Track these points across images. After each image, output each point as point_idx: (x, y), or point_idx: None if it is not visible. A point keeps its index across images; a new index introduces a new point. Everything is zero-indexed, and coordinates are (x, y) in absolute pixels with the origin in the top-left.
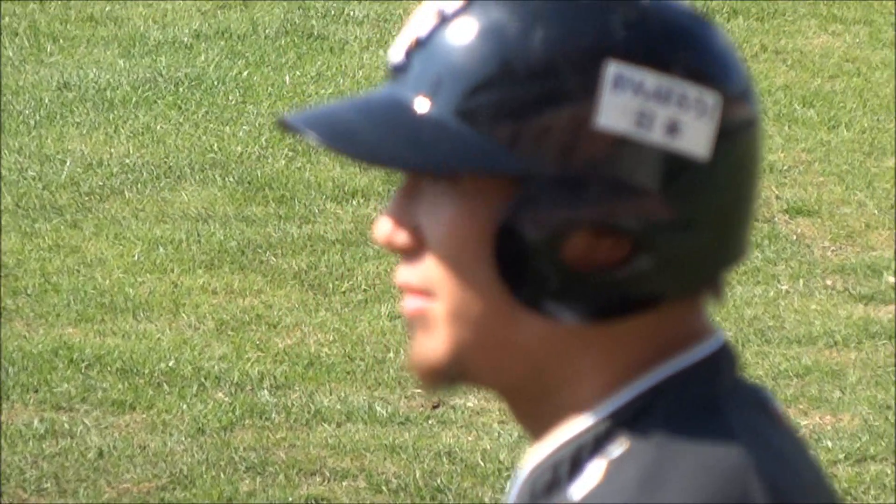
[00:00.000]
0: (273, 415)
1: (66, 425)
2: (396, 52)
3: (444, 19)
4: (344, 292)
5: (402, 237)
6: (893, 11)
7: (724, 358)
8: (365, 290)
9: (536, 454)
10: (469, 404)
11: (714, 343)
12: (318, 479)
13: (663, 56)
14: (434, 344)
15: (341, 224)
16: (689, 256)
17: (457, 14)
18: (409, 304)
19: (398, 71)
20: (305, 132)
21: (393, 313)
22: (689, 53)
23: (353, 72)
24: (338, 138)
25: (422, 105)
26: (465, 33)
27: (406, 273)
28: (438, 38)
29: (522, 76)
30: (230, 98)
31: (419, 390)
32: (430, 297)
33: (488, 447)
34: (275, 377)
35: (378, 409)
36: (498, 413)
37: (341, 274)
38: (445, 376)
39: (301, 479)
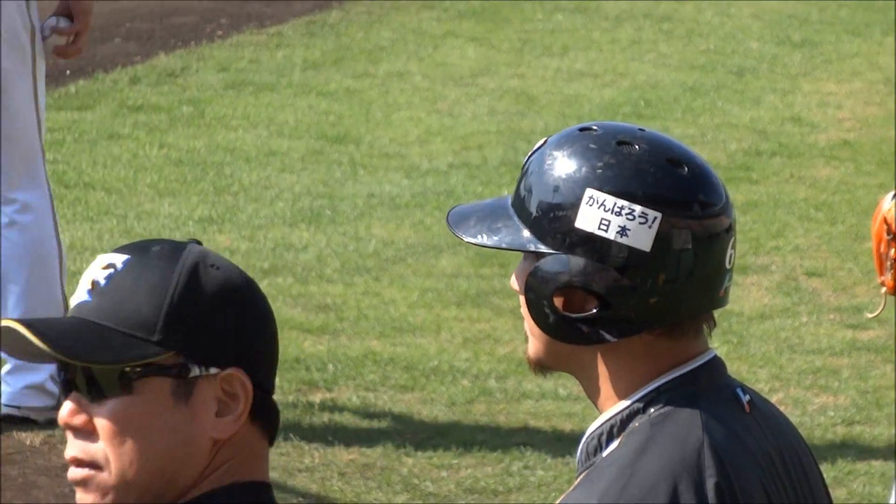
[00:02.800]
0: (496, 394)
1: (372, 400)
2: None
3: (537, 149)
4: None
5: (515, 285)
6: (871, 153)
7: (706, 369)
8: None
9: (591, 428)
10: None
11: (704, 359)
12: (522, 433)
13: (623, 187)
14: (528, 348)
15: None
16: (652, 310)
17: (538, 148)
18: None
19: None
20: (449, 223)
21: None
22: (643, 186)
23: None
24: (455, 223)
25: (510, 208)
26: (530, 166)
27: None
28: (525, 166)
29: (542, 191)
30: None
31: None
32: (525, 320)
33: None
34: (497, 371)
35: (560, 391)
36: None
37: None
38: (538, 369)
39: (513, 433)
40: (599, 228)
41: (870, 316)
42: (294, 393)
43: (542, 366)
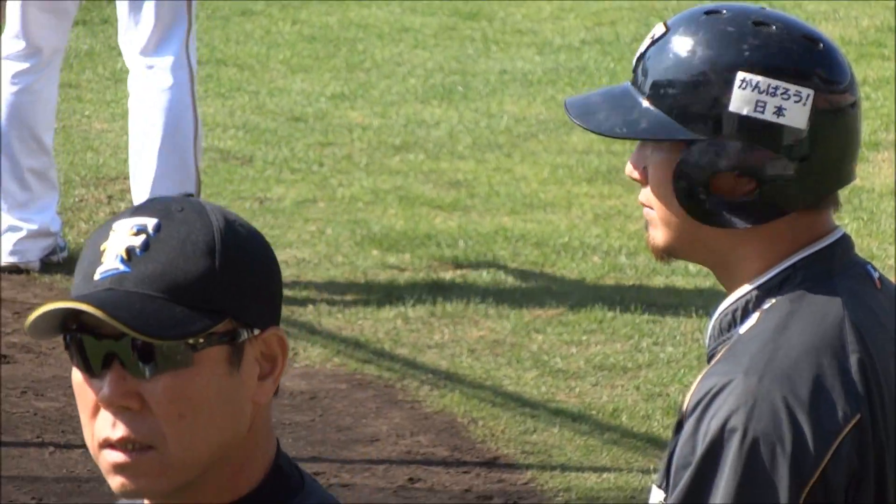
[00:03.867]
0: (627, 270)
1: (502, 276)
2: (634, 62)
3: (653, 41)
4: None
5: (637, 174)
6: None
7: (840, 246)
8: None
9: (723, 305)
10: None
11: (833, 237)
12: (652, 310)
13: (773, 66)
14: (654, 237)
15: None
16: (800, 188)
17: (659, 38)
18: (644, 211)
19: (633, 73)
20: (567, 111)
21: None
22: (792, 63)
23: None
24: (582, 115)
25: (636, 95)
26: (659, 49)
27: (641, 194)
28: (647, 52)
29: (687, 78)
30: (603, 80)
31: None
32: (651, 209)
33: None
34: (628, 248)
35: (690, 267)
36: None
37: None
38: (664, 255)
39: (644, 308)
40: (756, 111)
41: None
42: (424, 269)
43: (672, 254)
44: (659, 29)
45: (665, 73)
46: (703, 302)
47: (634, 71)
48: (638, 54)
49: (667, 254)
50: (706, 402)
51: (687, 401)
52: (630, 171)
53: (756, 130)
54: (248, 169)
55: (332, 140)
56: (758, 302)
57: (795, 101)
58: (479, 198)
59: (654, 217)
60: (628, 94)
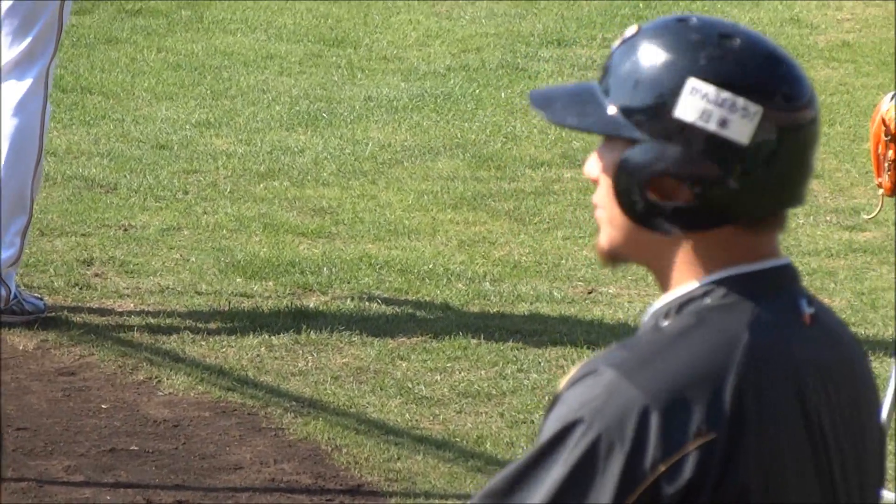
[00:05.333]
0: (491, 297)
1: (367, 303)
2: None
3: (623, 40)
4: (536, 223)
5: (592, 173)
6: (871, 54)
7: (774, 273)
8: (548, 222)
9: (659, 303)
10: (611, 291)
11: (769, 263)
12: (517, 337)
13: (726, 78)
14: (601, 237)
15: (534, 182)
16: (738, 203)
17: (629, 38)
18: (596, 213)
19: (601, 70)
20: (531, 101)
21: (565, 235)
22: (746, 78)
23: None
24: (542, 105)
25: (596, 92)
26: (624, 53)
27: (595, 194)
28: (616, 51)
29: (642, 79)
30: (468, 106)
31: (580, 282)
32: (601, 209)
33: (620, 317)
34: (493, 275)
35: (555, 293)
36: (629, 297)
37: (534, 212)
38: (609, 258)
39: (508, 335)
40: (700, 119)
41: (867, 217)
42: (288, 297)
43: (615, 256)
44: (631, 30)
45: (624, 71)
46: (566, 329)
47: (601, 69)
48: (609, 53)
49: (611, 256)
50: (573, 387)
51: (564, 382)
52: (587, 170)
53: (698, 139)
54: (112, 197)
55: (197, 167)
56: (679, 309)
57: (742, 116)
58: (344, 225)
59: (603, 218)
60: (590, 89)
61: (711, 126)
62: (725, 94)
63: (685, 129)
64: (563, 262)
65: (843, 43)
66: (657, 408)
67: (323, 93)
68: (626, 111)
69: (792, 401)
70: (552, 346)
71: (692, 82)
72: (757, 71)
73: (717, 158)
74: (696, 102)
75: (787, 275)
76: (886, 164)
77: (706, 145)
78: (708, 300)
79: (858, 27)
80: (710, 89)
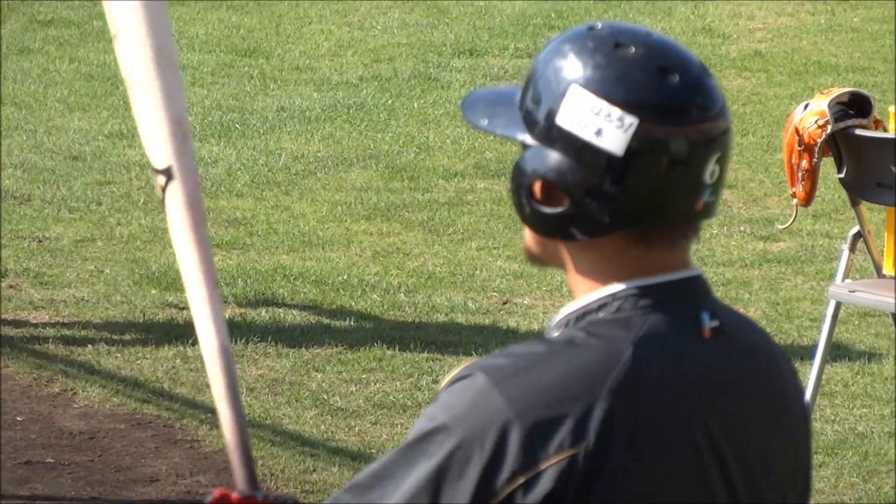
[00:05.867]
0: (406, 308)
1: (282, 315)
2: None
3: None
4: (450, 234)
5: None
6: (783, 64)
7: (678, 287)
8: (462, 233)
9: (560, 313)
10: (525, 301)
11: (676, 275)
12: (432, 347)
13: (606, 88)
14: (523, 239)
15: (448, 193)
16: (614, 214)
17: (547, 43)
18: None
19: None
20: (463, 100)
21: (479, 246)
22: (626, 90)
23: (454, 100)
24: (466, 106)
25: (515, 95)
26: (540, 54)
27: None
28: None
29: (537, 83)
30: (381, 117)
31: (495, 293)
32: None
33: (535, 327)
34: (407, 286)
35: (470, 304)
36: (543, 308)
37: (448, 223)
38: (529, 259)
39: (423, 346)
40: (577, 126)
41: (781, 228)
42: None
43: (531, 256)
44: (552, 35)
45: (529, 76)
46: (481, 340)
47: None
48: None
49: (529, 256)
50: (448, 387)
51: (444, 382)
52: None
53: (575, 146)
54: (26, 208)
55: (111, 178)
56: (576, 322)
57: (617, 127)
58: (258, 236)
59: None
60: (511, 93)
61: (586, 135)
62: (602, 104)
63: (564, 135)
64: (478, 272)
65: (756, 52)
66: (520, 422)
67: (235, 103)
68: (527, 116)
69: (675, 419)
70: (467, 357)
71: (573, 89)
72: (640, 82)
73: (592, 167)
74: (574, 110)
75: (691, 287)
76: (800, 174)
77: (582, 153)
78: (601, 314)
79: (770, 37)
80: (588, 97)
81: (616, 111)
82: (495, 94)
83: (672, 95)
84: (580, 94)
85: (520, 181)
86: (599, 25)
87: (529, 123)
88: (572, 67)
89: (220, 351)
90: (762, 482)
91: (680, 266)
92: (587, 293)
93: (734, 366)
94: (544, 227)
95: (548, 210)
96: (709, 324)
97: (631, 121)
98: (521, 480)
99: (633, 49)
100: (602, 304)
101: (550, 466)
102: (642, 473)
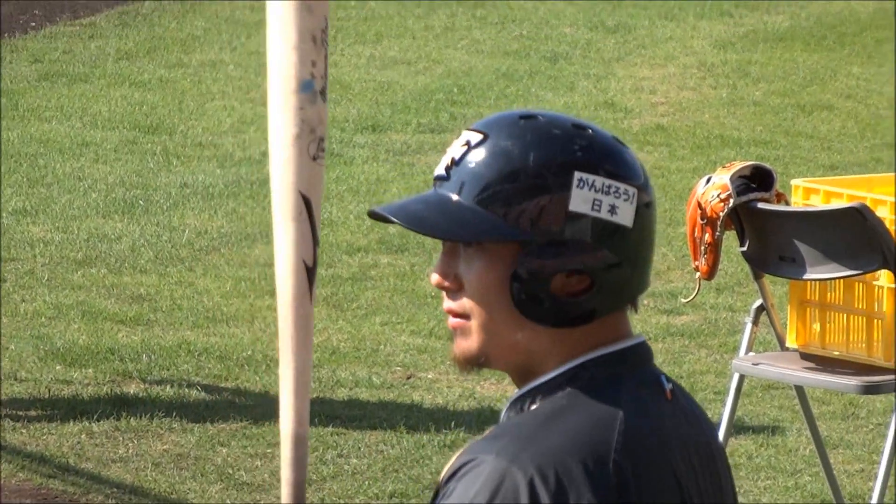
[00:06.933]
0: (311, 383)
1: (186, 390)
2: (440, 168)
3: (469, 147)
4: (354, 309)
5: (448, 282)
6: (686, 137)
7: (634, 352)
8: (366, 308)
9: (516, 395)
10: (429, 376)
11: (629, 342)
12: (336, 422)
13: (604, 166)
14: (469, 345)
15: (352, 268)
16: (620, 285)
17: (478, 144)
18: (452, 321)
19: (441, 180)
20: (391, 220)
21: (383, 321)
22: (618, 163)
23: (357, 175)
24: (415, 223)
25: (457, 200)
26: (483, 154)
27: (449, 303)
28: (467, 158)
29: (522, 180)
30: None
31: (399, 367)
32: (467, 318)
33: (440, 401)
34: (311, 361)
35: (374, 378)
36: (448, 382)
37: (352, 298)
38: (475, 364)
39: (328, 420)
40: (593, 209)
41: (684, 301)
42: (108, 384)
43: (484, 361)
44: (472, 135)
45: (497, 176)
46: (386, 414)
47: (444, 178)
48: (448, 160)
49: (477, 362)
50: (458, 476)
51: (444, 472)
52: (439, 280)
53: (594, 229)
54: None
55: (14, 255)
56: (545, 395)
57: (625, 200)
58: (162, 312)
59: (470, 325)
60: (449, 199)
61: (603, 214)
62: (609, 181)
63: (581, 221)
64: (382, 347)
65: (658, 126)
66: (546, 487)
67: (139, 179)
68: (513, 214)
69: (668, 475)
70: (372, 431)
71: (578, 175)
72: (618, 155)
73: (610, 245)
74: (585, 194)
75: (645, 352)
76: (703, 248)
77: (602, 234)
78: (577, 382)
79: (672, 111)
80: (595, 179)
81: (621, 185)
82: (427, 205)
83: (634, 162)
84: (586, 177)
85: (533, 279)
86: (536, 115)
87: (525, 220)
88: (561, 154)
89: (295, 440)
90: None
91: (629, 332)
92: (553, 369)
93: (691, 429)
94: (563, 316)
95: (572, 299)
96: (667, 386)
97: (633, 191)
98: None
99: (589, 129)
100: (572, 376)
101: None
102: None
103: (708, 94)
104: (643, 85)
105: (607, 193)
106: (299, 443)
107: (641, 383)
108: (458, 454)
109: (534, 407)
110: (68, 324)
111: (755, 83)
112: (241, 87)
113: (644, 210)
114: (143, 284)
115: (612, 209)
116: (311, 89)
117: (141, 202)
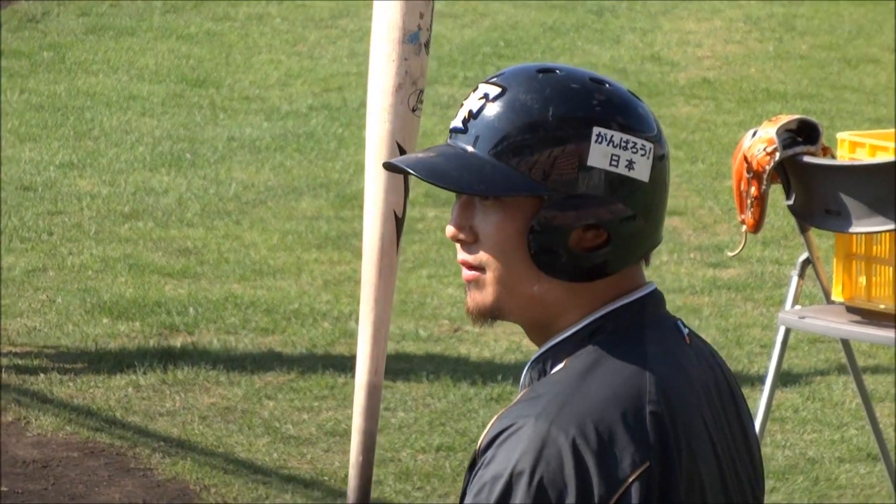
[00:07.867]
0: (357, 336)
1: (233, 343)
2: (457, 121)
3: (487, 99)
4: (401, 262)
5: (464, 234)
6: (732, 91)
7: (650, 299)
8: (413, 261)
9: (536, 355)
10: (476, 329)
11: (644, 290)
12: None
13: (622, 121)
14: (483, 298)
15: None
16: (636, 239)
17: (496, 97)
18: (467, 273)
19: (457, 132)
20: (411, 172)
21: (430, 274)
22: (635, 118)
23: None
24: (434, 175)
25: (474, 153)
26: (502, 107)
27: (464, 255)
28: (485, 111)
29: (542, 134)
30: (331, 146)
31: (446, 320)
32: (482, 270)
33: (486, 355)
34: (358, 313)
35: (421, 332)
36: (494, 335)
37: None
38: (489, 317)
39: None
40: (611, 164)
41: (730, 254)
42: (155, 337)
43: (498, 314)
44: (490, 88)
45: (517, 131)
46: (433, 367)
47: (461, 131)
48: (465, 113)
49: (492, 315)
50: (498, 443)
51: (481, 440)
52: (454, 232)
53: (612, 184)
54: None
55: (62, 209)
56: (568, 351)
57: (641, 155)
58: (209, 265)
59: (485, 278)
60: (466, 153)
61: (621, 169)
62: (627, 136)
63: (599, 176)
64: (429, 300)
65: (704, 80)
66: (589, 448)
67: (186, 133)
68: (533, 168)
69: (699, 420)
70: (418, 384)
71: (597, 129)
72: (635, 109)
73: (626, 198)
74: (604, 149)
75: (659, 299)
76: (749, 201)
77: (620, 189)
78: (602, 334)
79: (718, 64)
80: (613, 133)
81: (638, 140)
82: (447, 158)
83: (649, 115)
84: (605, 132)
85: (552, 234)
86: (554, 69)
87: (544, 175)
88: (580, 109)
89: (369, 389)
90: (744, 483)
91: (644, 281)
92: (573, 324)
93: (711, 371)
94: (581, 271)
95: (589, 253)
96: (685, 330)
97: (649, 146)
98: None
99: (607, 84)
100: (595, 329)
101: (633, 484)
102: (693, 475)
103: (754, 47)
104: (689, 38)
105: (625, 149)
106: (373, 392)
107: (662, 330)
108: (494, 420)
109: (560, 365)
110: (115, 277)
111: (801, 36)
112: (287, 40)
113: (658, 163)
114: (190, 238)
115: (630, 164)
116: (417, 41)
117: (188, 155)
